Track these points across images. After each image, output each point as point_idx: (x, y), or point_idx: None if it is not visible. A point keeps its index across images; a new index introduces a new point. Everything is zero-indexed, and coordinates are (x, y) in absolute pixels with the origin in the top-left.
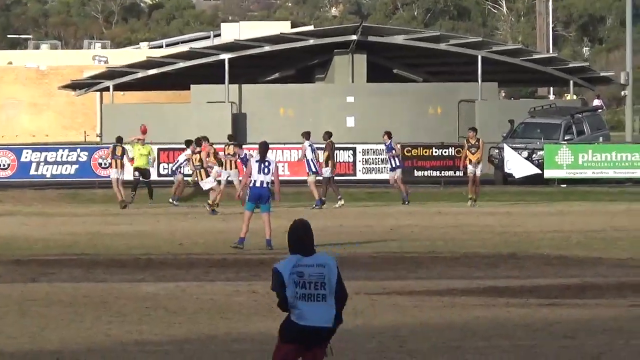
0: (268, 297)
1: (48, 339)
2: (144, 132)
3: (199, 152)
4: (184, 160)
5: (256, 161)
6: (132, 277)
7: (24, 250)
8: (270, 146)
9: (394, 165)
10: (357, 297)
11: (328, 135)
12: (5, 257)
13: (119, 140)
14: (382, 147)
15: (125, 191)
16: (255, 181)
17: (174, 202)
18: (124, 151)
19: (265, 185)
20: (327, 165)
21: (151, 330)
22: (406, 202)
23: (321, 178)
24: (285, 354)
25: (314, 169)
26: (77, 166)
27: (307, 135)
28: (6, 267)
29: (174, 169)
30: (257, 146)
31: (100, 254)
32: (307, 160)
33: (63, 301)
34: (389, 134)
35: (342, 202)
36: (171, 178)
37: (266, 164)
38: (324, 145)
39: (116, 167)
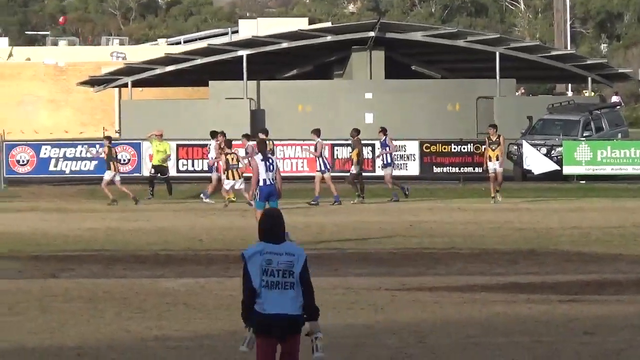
0: None
1: (68, 334)
2: (160, 134)
3: (235, 152)
4: (216, 155)
5: (261, 160)
6: (152, 273)
7: (43, 246)
8: (289, 142)
9: (386, 162)
10: (377, 293)
11: (356, 132)
12: (25, 253)
13: (110, 139)
14: (401, 143)
15: (128, 188)
16: (265, 180)
17: (205, 198)
18: (116, 152)
19: (272, 182)
20: (358, 163)
21: (171, 326)
22: (399, 198)
23: (347, 174)
24: (263, 346)
25: (329, 166)
26: (96, 162)
27: (318, 132)
28: (26, 263)
29: (210, 165)
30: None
31: (119, 249)
32: (323, 158)
33: (83, 297)
34: (384, 131)
35: (362, 200)
36: (190, 175)
37: (270, 161)
38: (350, 142)
39: (114, 169)
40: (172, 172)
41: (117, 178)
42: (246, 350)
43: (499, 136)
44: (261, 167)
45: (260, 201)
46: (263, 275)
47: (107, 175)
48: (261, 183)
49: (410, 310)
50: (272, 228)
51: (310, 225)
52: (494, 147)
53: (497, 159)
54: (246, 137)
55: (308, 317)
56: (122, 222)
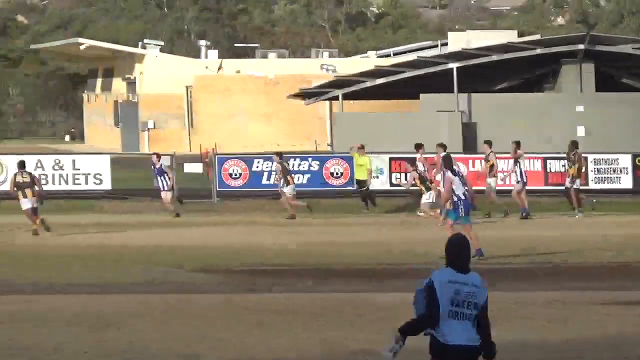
0: (502, 304)
1: (280, 347)
2: (361, 147)
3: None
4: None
5: (455, 174)
6: (364, 287)
7: (254, 259)
8: (501, 156)
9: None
10: (592, 307)
11: (574, 145)
12: (237, 267)
13: (280, 155)
14: (614, 156)
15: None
16: (464, 193)
17: (420, 213)
18: (288, 164)
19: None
20: (579, 177)
21: (385, 340)
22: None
23: (566, 188)
24: None
25: (525, 179)
26: (309, 175)
27: (518, 144)
28: (237, 277)
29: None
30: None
31: (333, 262)
32: (521, 170)
33: (295, 311)
34: (575, 144)
35: (582, 215)
36: (403, 188)
37: (461, 175)
38: (565, 156)
39: (292, 182)
40: (386, 186)
41: (288, 190)
42: (390, 357)
43: None
44: (455, 181)
45: (467, 215)
46: (450, 305)
47: (289, 190)
48: (462, 197)
49: (629, 325)
50: (459, 256)
51: (517, 239)
52: None
53: None
54: (442, 147)
55: (486, 353)
56: (334, 236)
